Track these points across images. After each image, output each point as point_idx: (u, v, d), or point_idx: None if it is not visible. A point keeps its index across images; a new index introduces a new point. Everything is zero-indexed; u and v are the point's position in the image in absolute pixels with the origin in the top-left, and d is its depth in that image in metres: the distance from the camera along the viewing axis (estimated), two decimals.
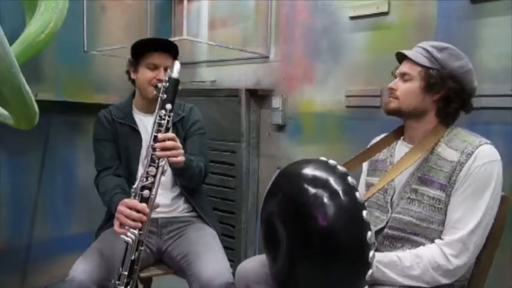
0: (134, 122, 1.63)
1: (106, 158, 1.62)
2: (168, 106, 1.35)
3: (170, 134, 1.35)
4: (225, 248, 1.58)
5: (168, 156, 1.33)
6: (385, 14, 1.91)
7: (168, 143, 1.33)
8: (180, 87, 1.40)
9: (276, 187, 1.21)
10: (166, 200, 1.62)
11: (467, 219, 1.11)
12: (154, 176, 1.32)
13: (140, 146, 1.62)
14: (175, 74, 1.37)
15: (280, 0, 2.33)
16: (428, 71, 1.20)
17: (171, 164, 1.39)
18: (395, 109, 1.26)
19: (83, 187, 2.49)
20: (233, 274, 1.39)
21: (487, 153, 1.13)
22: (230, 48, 2.40)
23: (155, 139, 1.33)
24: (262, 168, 2.43)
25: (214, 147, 2.40)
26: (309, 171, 1.11)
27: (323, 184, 1.05)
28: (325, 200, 1.02)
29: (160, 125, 1.34)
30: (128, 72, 1.65)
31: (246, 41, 2.50)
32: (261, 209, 1.25)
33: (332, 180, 1.05)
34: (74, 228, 2.47)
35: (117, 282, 1.30)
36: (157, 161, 1.32)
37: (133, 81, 1.66)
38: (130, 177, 1.59)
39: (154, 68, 1.56)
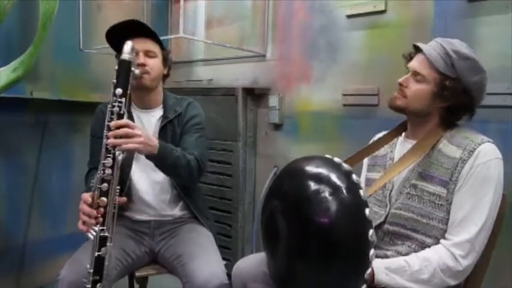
0: (132, 118, 1.56)
1: (97, 156, 1.52)
2: (118, 91, 1.25)
3: (122, 121, 1.26)
4: (222, 247, 1.57)
5: (120, 144, 1.25)
6: (382, 12, 1.91)
7: (120, 131, 1.25)
8: (133, 69, 1.30)
9: (279, 182, 1.19)
10: (163, 203, 1.60)
11: (473, 219, 1.10)
12: (112, 167, 1.24)
13: None
14: (125, 55, 1.27)
15: None
16: (445, 80, 1.16)
17: (147, 155, 1.36)
18: (400, 107, 1.23)
19: (78, 187, 2.46)
20: (230, 274, 1.38)
21: (489, 151, 1.13)
22: (227, 47, 2.39)
23: (108, 128, 1.25)
24: (259, 168, 2.42)
25: (211, 146, 2.39)
26: (313, 167, 1.10)
27: (326, 180, 1.04)
28: (328, 196, 1.01)
29: (112, 112, 1.26)
30: None
31: (243, 40, 2.49)
32: (263, 204, 1.24)
33: (335, 177, 1.04)
34: (70, 228, 2.45)
35: (83, 280, 1.24)
36: (112, 150, 1.24)
37: None
38: (123, 176, 1.51)
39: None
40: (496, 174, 1.12)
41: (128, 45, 1.28)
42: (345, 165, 1.08)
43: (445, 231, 1.15)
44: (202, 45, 2.73)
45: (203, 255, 1.44)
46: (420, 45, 1.22)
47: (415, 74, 1.21)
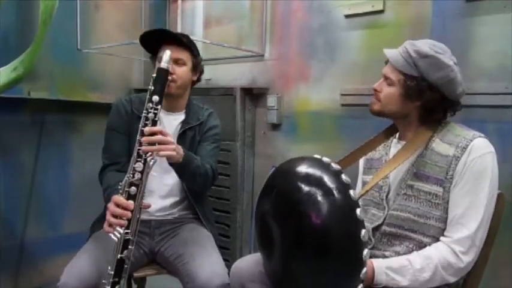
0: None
1: (115, 153, 1.56)
2: (155, 98, 1.28)
3: (157, 128, 1.30)
4: (220, 247, 1.57)
5: (154, 151, 1.28)
6: (380, 12, 1.91)
7: (155, 137, 1.28)
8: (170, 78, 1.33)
9: (270, 185, 1.20)
10: (168, 204, 1.60)
11: (471, 215, 1.11)
12: (142, 172, 1.26)
13: None
14: (163, 64, 1.30)
15: None
16: (407, 80, 1.18)
17: (170, 162, 1.37)
18: (378, 111, 1.28)
19: (77, 186, 2.47)
20: (228, 274, 1.38)
21: (481, 146, 1.14)
22: (225, 47, 2.39)
23: (142, 133, 1.28)
24: (257, 167, 2.42)
25: None
26: (302, 169, 1.10)
27: (317, 182, 1.05)
28: (319, 198, 1.02)
29: (146, 118, 1.29)
30: None
31: (242, 40, 2.49)
32: (256, 207, 1.25)
33: (326, 178, 1.05)
34: (68, 228, 2.45)
35: (103, 281, 1.25)
36: (144, 156, 1.27)
37: None
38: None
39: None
40: (490, 168, 1.13)
41: (166, 55, 1.31)
42: (334, 165, 1.08)
43: (443, 229, 1.15)
44: (201, 45, 2.71)
45: (205, 255, 1.44)
46: (385, 50, 1.25)
47: (386, 78, 1.25)
